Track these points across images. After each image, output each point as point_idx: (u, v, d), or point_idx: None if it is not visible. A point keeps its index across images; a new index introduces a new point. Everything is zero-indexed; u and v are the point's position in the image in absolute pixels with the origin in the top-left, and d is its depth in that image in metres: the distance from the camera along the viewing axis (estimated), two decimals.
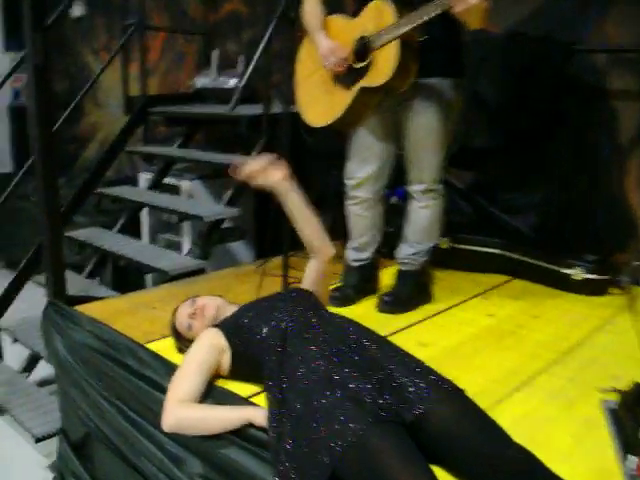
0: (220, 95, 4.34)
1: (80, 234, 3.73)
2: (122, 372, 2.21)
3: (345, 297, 2.81)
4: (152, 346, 2.35)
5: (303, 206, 2.16)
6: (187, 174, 4.19)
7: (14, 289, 3.36)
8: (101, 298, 2.96)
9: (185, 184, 4.12)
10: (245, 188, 3.57)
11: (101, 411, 2.27)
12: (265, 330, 1.95)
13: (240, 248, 4.23)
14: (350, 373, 1.69)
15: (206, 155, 3.87)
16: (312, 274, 2.26)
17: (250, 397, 1.99)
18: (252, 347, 1.97)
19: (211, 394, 1.98)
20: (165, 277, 3.10)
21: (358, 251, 2.86)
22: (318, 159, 3.68)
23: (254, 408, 1.85)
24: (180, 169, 4.32)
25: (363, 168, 2.69)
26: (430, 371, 1.77)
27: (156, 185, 4.10)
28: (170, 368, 2.12)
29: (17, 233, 5.18)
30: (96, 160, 4.09)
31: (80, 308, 2.68)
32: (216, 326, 2.09)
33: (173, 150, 4.17)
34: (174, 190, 4.15)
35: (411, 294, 2.78)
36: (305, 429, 1.60)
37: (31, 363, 3.36)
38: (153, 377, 2.13)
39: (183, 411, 1.87)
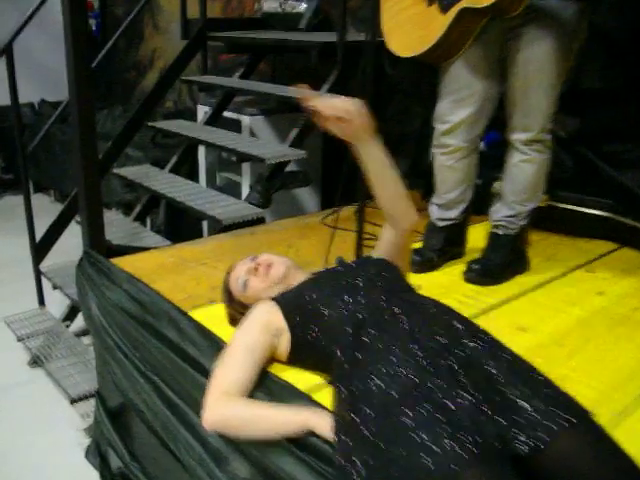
0: (289, 22, 3.87)
1: (129, 172, 3.38)
2: (160, 345, 1.86)
3: (427, 262, 2.39)
4: (198, 313, 1.99)
5: (384, 162, 1.71)
6: (249, 108, 3.76)
7: (56, 230, 3.05)
8: (146, 249, 2.61)
9: (246, 119, 3.70)
10: (314, 127, 3.16)
11: (136, 386, 1.94)
12: (336, 316, 1.56)
13: (305, 195, 3.82)
14: (445, 384, 1.29)
15: (270, 87, 3.43)
16: (387, 246, 1.83)
17: (313, 391, 1.61)
18: (317, 335, 1.59)
19: (264, 384, 1.61)
20: (219, 226, 2.72)
21: (444, 209, 2.41)
22: (399, 96, 3.20)
23: (318, 414, 1.46)
24: (242, 102, 3.89)
25: (458, 110, 2.22)
26: (547, 383, 1.36)
27: (214, 119, 3.70)
28: (217, 346, 1.77)
29: (70, 165, 4.91)
30: (150, 90, 3.69)
31: (119, 261, 2.34)
32: (274, 300, 1.70)
33: (234, 81, 3.74)
34: (234, 126, 3.74)
35: (505, 263, 2.33)
36: (382, 453, 1.22)
37: (72, 311, 3.08)
38: (196, 356, 1.77)
39: (229, 408, 1.51)
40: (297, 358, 1.68)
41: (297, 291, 1.70)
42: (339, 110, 1.61)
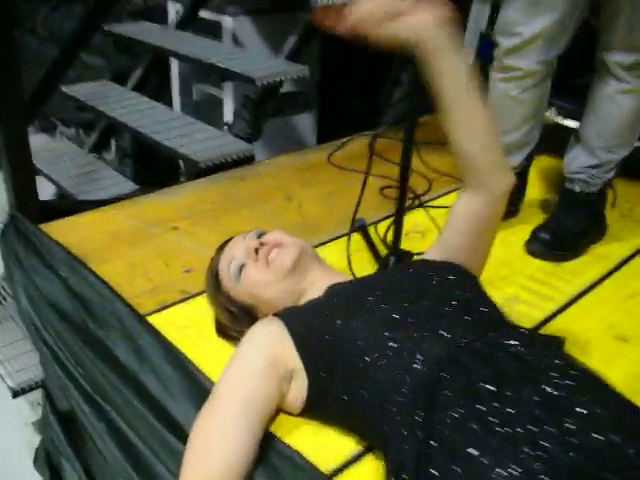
0: None
1: (82, 90, 2.66)
2: (108, 372, 1.26)
3: None
4: (166, 319, 1.40)
5: (467, 86, 1.06)
6: (232, 7, 3.00)
7: None
8: (99, 202, 1.96)
9: (227, 21, 2.95)
10: (315, 32, 2.45)
11: (82, 409, 1.35)
12: (389, 372, 0.97)
13: (298, 122, 3.12)
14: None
15: None
16: (468, 220, 1.19)
17: (346, 464, 1.04)
18: (355, 390, 1.00)
19: (266, 460, 1.03)
20: (195, 169, 2.07)
21: (505, 154, 1.77)
22: None
23: None
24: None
25: (533, 19, 1.55)
26: None
27: (188, 21, 2.96)
28: (195, 385, 1.18)
29: None
30: None
31: (58, 227, 1.71)
32: (282, 319, 1.11)
33: None
34: (213, 30, 3.00)
35: (583, 229, 1.73)
36: None
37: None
38: (161, 399, 1.18)
39: None
40: (316, 410, 1.11)
41: (319, 310, 1.11)
42: None
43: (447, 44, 1.00)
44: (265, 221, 1.85)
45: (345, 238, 1.77)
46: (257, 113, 2.29)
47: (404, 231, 1.79)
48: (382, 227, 1.83)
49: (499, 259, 1.69)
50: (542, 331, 1.41)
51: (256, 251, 1.21)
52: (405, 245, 1.67)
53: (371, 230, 1.80)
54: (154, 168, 3.07)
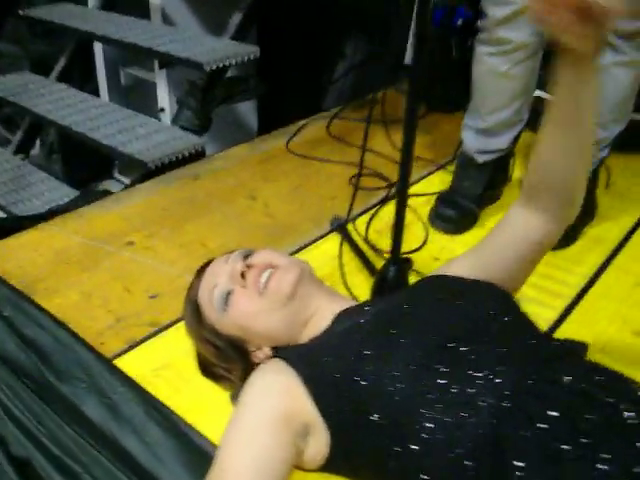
0: None
1: None
2: (75, 434, 1.06)
3: (466, 217, 1.64)
4: (136, 357, 1.19)
5: (591, 104, 0.88)
6: None
7: None
8: (35, 219, 1.70)
9: None
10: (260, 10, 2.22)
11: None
12: (438, 417, 0.80)
13: (239, 107, 2.87)
14: None
15: None
16: (519, 244, 1.01)
17: None
18: (396, 444, 0.83)
19: None
20: (142, 170, 1.85)
21: (489, 136, 1.62)
22: None
23: None
24: None
25: None
26: None
27: (111, 1, 2.68)
28: (184, 439, 0.99)
29: None
30: None
31: None
32: (290, 363, 0.93)
33: None
34: (138, 8, 2.72)
35: (581, 213, 1.59)
36: None
37: None
38: (148, 467, 0.99)
39: None
40: (339, 467, 0.94)
41: (336, 349, 0.93)
42: None
43: (597, 55, 0.82)
44: (230, 226, 1.65)
45: (323, 240, 1.59)
46: (205, 101, 2.07)
47: (381, 226, 1.63)
48: (361, 223, 1.66)
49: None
50: (559, 334, 1.29)
51: (242, 275, 1.02)
52: (386, 243, 1.51)
53: (349, 228, 1.62)
54: (84, 164, 2.79)
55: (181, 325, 1.12)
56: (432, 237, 1.62)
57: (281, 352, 0.99)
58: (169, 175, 1.88)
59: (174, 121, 2.10)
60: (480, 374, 0.81)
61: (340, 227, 1.59)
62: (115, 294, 1.37)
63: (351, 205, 1.64)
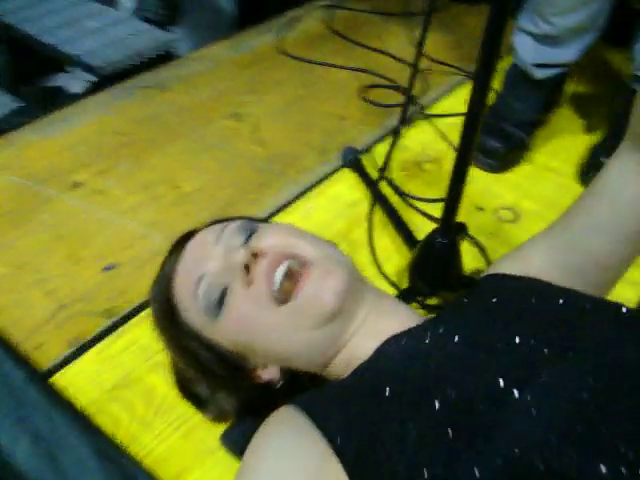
0: None
1: None
2: None
3: (515, 149, 1.28)
4: (86, 369, 0.85)
5: None
6: None
7: None
8: None
9: None
10: None
11: None
12: None
13: None
14: None
15: None
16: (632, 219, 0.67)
17: None
18: None
19: None
20: (92, 76, 1.42)
21: (553, 44, 1.22)
22: None
23: None
24: None
25: None
26: None
27: None
28: None
29: None
30: None
31: None
32: (319, 424, 0.59)
33: None
34: None
35: None
36: None
37: None
38: None
39: None
40: None
41: (390, 411, 0.58)
42: None
43: None
44: (209, 158, 1.27)
45: (333, 180, 1.22)
46: None
47: (406, 157, 1.27)
48: (379, 154, 1.28)
49: (545, 198, 1.20)
50: None
51: (247, 268, 0.66)
52: (414, 184, 1.16)
53: (365, 162, 1.25)
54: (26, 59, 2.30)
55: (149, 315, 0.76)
56: (470, 176, 1.26)
57: (304, 398, 0.65)
58: (128, 85, 1.46)
59: (135, 12, 1.64)
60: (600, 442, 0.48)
61: (354, 163, 1.22)
62: (55, 264, 1.00)
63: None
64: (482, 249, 1.05)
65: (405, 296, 0.91)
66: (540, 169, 1.28)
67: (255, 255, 0.66)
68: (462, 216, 1.10)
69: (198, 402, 0.79)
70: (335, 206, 1.15)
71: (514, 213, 1.16)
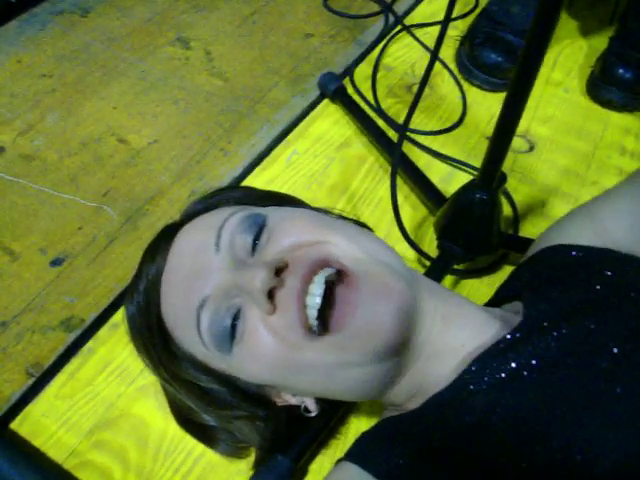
0: None
1: None
2: None
3: (512, 62, 1.08)
4: (49, 412, 0.65)
5: None
6: None
7: None
8: None
9: None
10: None
11: None
12: None
13: None
14: None
15: None
16: None
17: None
18: None
19: None
20: None
21: None
22: None
23: None
24: None
25: None
26: None
27: None
28: None
29: None
30: None
31: None
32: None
33: None
34: None
35: None
36: None
37: None
38: None
39: None
40: None
41: None
42: None
43: None
44: (159, 97, 1.03)
45: (315, 115, 1.01)
46: None
47: (395, 82, 1.07)
48: (359, 78, 1.07)
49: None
50: None
51: (270, 294, 0.47)
52: (416, 121, 0.97)
53: (350, 91, 1.04)
54: None
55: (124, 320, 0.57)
56: (470, 99, 1.07)
57: (364, 450, 0.49)
58: (38, 11, 1.18)
59: None
60: None
61: (339, 93, 1.01)
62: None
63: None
64: (508, 195, 0.89)
65: (440, 267, 0.74)
66: (544, 84, 1.10)
67: (279, 271, 0.47)
68: (472, 149, 0.94)
69: (206, 436, 0.62)
70: (323, 150, 0.95)
71: (528, 142, 0.99)
